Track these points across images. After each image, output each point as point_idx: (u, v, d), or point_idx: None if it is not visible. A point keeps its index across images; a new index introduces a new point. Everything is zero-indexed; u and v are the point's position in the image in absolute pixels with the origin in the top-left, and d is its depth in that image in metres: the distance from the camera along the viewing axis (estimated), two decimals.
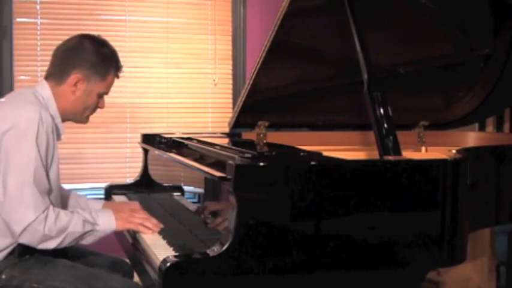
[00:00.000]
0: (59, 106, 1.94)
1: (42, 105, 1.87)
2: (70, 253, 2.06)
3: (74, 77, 1.93)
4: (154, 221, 1.94)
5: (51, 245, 1.79)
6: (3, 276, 1.82)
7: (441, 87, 2.74)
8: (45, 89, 1.94)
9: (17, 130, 1.77)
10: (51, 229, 1.76)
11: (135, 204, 2.09)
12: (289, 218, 1.53)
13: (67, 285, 1.82)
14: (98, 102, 2.01)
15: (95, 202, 2.22)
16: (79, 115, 2.01)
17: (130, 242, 1.94)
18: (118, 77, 2.05)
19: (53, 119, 1.89)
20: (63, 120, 1.99)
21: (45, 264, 1.87)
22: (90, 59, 1.93)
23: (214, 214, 1.90)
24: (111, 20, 3.57)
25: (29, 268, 1.84)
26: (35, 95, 1.92)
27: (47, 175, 1.84)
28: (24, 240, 1.77)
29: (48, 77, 1.97)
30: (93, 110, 2.04)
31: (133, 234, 1.95)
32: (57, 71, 1.95)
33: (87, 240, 1.86)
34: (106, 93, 2.03)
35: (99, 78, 1.96)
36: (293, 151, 1.83)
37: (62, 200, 2.15)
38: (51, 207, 1.79)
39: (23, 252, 1.85)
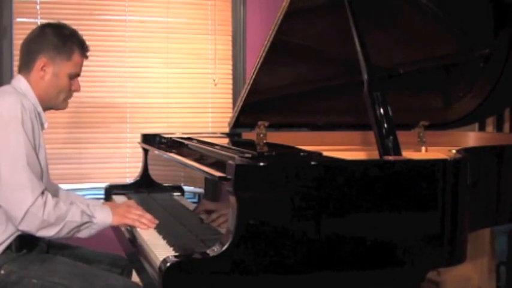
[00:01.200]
0: (36, 95, 1.98)
1: (22, 95, 1.91)
2: (69, 250, 2.07)
3: (39, 61, 1.97)
4: (149, 216, 1.98)
5: (50, 232, 1.81)
6: (2, 272, 1.84)
7: (441, 87, 2.74)
8: (21, 81, 1.99)
9: (0, 119, 1.81)
10: (50, 215, 1.78)
11: (132, 202, 2.12)
12: (289, 218, 1.53)
13: (66, 281, 1.83)
14: (70, 84, 2.04)
15: (94, 201, 2.24)
16: (54, 99, 2.03)
17: (128, 237, 1.95)
18: (86, 56, 2.09)
19: (35, 107, 1.93)
20: (44, 109, 2.02)
21: (45, 261, 1.89)
22: (52, 41, 1.98)
23: (210, 212, 1.91)
24: (111, 20, 3.57)
25: (28, 264, 1.86)
26: (13, 87, 1.96)
27: (38, 159, 1.86)
28: (24, 226, 1.79)
29: (19, 70, 2.03)
30: (69, 93, 2.06)
31: (131, 230, 1.97)
32: (25, 61, 2.01)
33: (83, 233, 1.89)
34: (77, 74, 2.06)
35: (65, 58, 2.00)
36: (293, 151, 1.83)
37: (52, 188, 2.17)
38: (49, 194, 1.82)
39: (20, 246, 1.87)
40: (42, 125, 1.98)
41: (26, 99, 1.90)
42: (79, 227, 1.86)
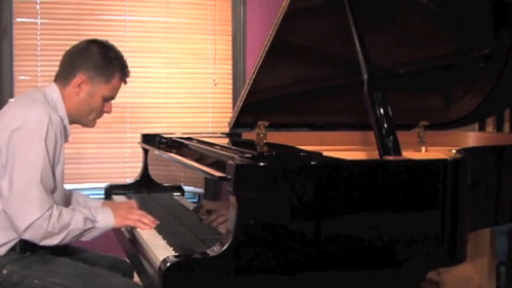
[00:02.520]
0: (66, 108, 1.97)
1: (51, 106, 1.91)
2: (71, 252, 2.08)
3: (78, 78, 1.96)
4: (150, 217, 1.98)
5: (53, 241, 1.82)
6: (5, 272, 1.84)
7: (441, 87, 2.74)
8: (54, 91, 1.97)
9: (26, 129, 1.80)
10: (54, 226, 1.79)
11: (132, 203, 2.12)
12: (289, 218, 1.53)
13: (68, 282, 1.83)
14: (103, 106, 2.04)
15: (95, 201, 2.24)
16: (84, 117, 2.03)
17: (132, 244, 1.95)
18: (125, 82, 2.07)
19: (62, 120, 1.92)
20: (70, 123, 2.01)
21: (47, 262, 1.90)
22: (95, 61, 1.96)
23: (210, 212, 1.91)
24: (111, 20, 3.57)
25: (31, 264, 1.86)
26: (45, 96, 1.95)
27: (53, 174, 1.86)
28: (27, 236, 1.79)
29: (56, 79, 2.01)
30: (99, 114, 2.06)
31: (131, 230, 1.97)
32: (64, 73, 1.99)
33: (86, 237, 1.89)
34: (112, 97, 2.06)
35: (104, 80, 1.98)
36: (293, 151, 1.83)
37: (64, 200, 2.17)
38: (55, 205, 1.82)
39: (24, 248, 1.87)
40: (66, 137, 1.97)
41: (55, 112, 1.88)
42: (82, 233, 1.87)
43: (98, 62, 1.96)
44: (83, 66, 1.96)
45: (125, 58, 2.05)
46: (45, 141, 1.80)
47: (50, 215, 1.78)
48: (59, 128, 1.87)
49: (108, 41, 2.06)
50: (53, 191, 1.86)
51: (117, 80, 2.02)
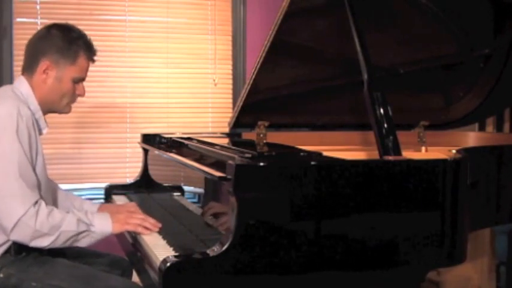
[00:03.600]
0: (37, 98, 1.93)
1: (21, 101, 1.86)
2: (68, 252, 2.06)
3: (42, 64, 1.92)
4: (152, 220, 1.93)
5: (43, 242, 1.77)
6: (1, 275, 1.81)
7: (441, 87, 2.74)
8: (23, 84, 1.93)
9: None
10: (43, 225, 1.74)
11: (132, 206, 2.09)
12: (289, 218, 1.53)
13: (66, 284, 1.81)
14: (74, 89, 1.98)
15: (91, 204, 2.20)
16: (57, 104, 1.98)
17: (131, 243, 1.94)
18: (93, 61, 2.02)
19: (33, 113, 1.88)
20: (46, 112, 1.97)
21: (44, 263, 1.87)
22: (57, 43, 1.92)
23: (216, 215, 1.90)
24: (111, 20, 3.56)
25: (28, 267, 1.84)
26: (14, 91, 1.91)
27: (34, 169, 1.82)
28: (16, 236, 1.75)
29: (23, 71, 1.97)
30: (72, 98, 2.00)
31: (134, 235, 1.95)
32: (28, 62, 1.95)
33: (83, 242, 1.85)
34: (82, 79, 2.00)
35: (69, 62, 1.94)
36: (293, 151, 1.83)
37: (58, 202, 2.15)
38: (43, 203, 1.78)
39: (18, 250, 1.84)
40: (40, 130, 1.93)
41: (24, 105, 1.84)
42: (76, 236, 1.81)
43: (60, 44, 1.92)
44: (46, 51, 1.92)
45: (89, 37, 2.00)
46: (17, 134, 1.76)
47: (37, 212, 1.74)
48: (30, 121, 1.83)
49: (69, 23, 2.01)
50: (38, 186, 1.82)
51: (83, 59, 1.96)
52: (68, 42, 1.93)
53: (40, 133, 1.93)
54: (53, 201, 2.05)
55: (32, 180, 1.80)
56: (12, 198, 1.73)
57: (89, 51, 1.98)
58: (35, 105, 1.92)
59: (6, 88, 1.96)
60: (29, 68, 1.95)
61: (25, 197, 1.74)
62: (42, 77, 1.92)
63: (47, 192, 1.95)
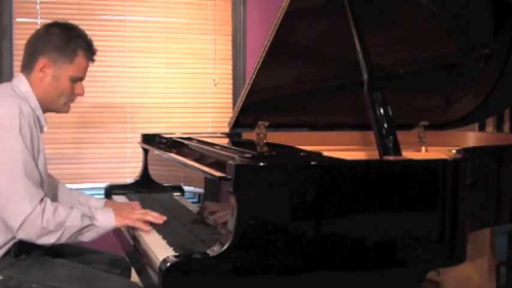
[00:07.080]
0: (36, 96, 1.92)
1: (21, 98, 1.86)
2: (68, 251, 2.06)
3: (40, 62, 1.91)
4: (154, 213, 1.93)
5: (50, 239, 1.77)
6: (1, 277, 1.81)
7: (441, 87, 2.74)
8: (22, 82, 1.93)
9: None
10: (49, 222, 1.75)
11: (136, 204, 2.10)
12: (289, 218, 1.53)
13: (66, 285, 1.81)
14: (72, 88, 1.97)
15: (96, 200, 2.21)
16: (55, 103, 1.96)
17: (131, 243, 1.94)
18: (92, 60, 2.00)
19: (34, 111, 1.87)
20: (45, 111, 1.96)
21: (44, 264, 1.87)
22: (55, 42, 1.91)
23: (216, 215, 1.90)
24: (111, 20, 3.57)
25: (27, 268, 1.84)
26: (13, 89, 1.91)
27: (36, 166, 1.82)
28: (23, 234, 1.75)
29: (22, 69, 1.97)
30: (70, 97, 1.99)
31: (133, 235, 1.95)
32: (27, 60, 1.95)
33: (86, 236, 1.84)
34: (81, 78, 1.98)
35: (67, 60, 1.93)
36: (293, 151, 1.84)
37: (62, 197, 2.15)
38: (48, 200, 1.78)
39: (18, 251, 1.84)
40: (41, 128, 1.93)
41: (25, 103, 1.83)
42: (80, 231, 1.82)
43: (59, 43, 1.91)
44: (44, 49, 1.91)
45: (89, 37, 1.99)
46: (21, 133, 1.76)
47: (43, 210, 1.74)
48: (32, 119, 1.82)
49: (70, 22, 2.00)
50: (41, 183, 1.82)
51: (81, 58, 1.95)
52: (66, 41, 1.93)
53: (41, 130, 1.93)
54: (54, 198, 2.05)
55: (36, 178, 1.80)
56: (19, 197, 1.73)
57: (88, 50, 1.97)
58: (34, 102, 1.92)
59: (5, 86, 1.96)
60: (27, 66, 1.94)
61: (31, 196, 1.74)
62: (39, 75, 1.92)
63: (49, 189, 1.95)
